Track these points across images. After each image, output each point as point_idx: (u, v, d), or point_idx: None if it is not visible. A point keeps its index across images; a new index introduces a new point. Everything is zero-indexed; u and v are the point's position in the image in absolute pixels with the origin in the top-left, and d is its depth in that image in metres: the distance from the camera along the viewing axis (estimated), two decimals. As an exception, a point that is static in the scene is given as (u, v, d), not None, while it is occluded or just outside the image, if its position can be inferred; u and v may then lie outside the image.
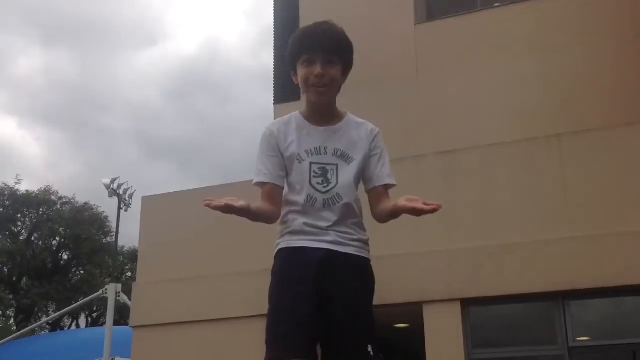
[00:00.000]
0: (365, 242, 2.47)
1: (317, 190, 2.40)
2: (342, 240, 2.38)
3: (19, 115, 55.08)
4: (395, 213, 2.37)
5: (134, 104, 61.66)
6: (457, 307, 7.74)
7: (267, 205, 2.39)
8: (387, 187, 2.52)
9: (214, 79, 70.41)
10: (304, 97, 2.56)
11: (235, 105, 68.55)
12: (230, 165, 56.79)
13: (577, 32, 10.11)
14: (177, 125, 64.76)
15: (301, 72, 2.45)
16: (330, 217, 2.39)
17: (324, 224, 2.38)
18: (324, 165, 2.43)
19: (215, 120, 66.56)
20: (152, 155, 61.91)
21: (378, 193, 2.49)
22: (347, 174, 2.44)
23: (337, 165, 2.44)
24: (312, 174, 2.42)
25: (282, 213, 2.46)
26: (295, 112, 2.54)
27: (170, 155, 64.03)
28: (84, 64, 60.23)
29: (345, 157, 2.46)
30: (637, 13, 9.83)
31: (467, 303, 7.80)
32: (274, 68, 12.35)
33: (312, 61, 2.42)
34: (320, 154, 2.45)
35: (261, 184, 2.43)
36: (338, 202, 2.40)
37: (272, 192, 2.41)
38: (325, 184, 2.41)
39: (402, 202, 2.27)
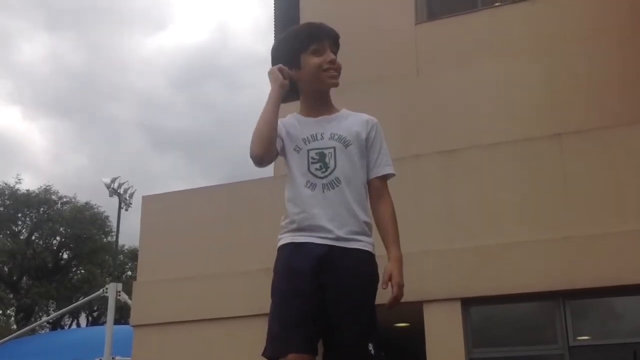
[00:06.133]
0: (368, 226, 2.46)
1: (315, 176, 2.41)
2: (344, 236, 2.37)
3: (23, 104, 54.84)
4: (383, 238, 2.50)
5: (142, 92, 61.26)
6: (457, 306, 7.73)
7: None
8: (386, 177, 2.54)
9: (225, 66, 69.90)
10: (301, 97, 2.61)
11: (245, 94, 68.11)
12: (239, 155, 56.51)
13: (579, 32, 10.09)
14: (186, 114, 64.33)
15: (311, 61, 2.50)
16: (331, 203, 2.38)
17: (324, 215, 2.36)
18: (321, 150, 2.45)
19: (225, 109, 66.15)
20: (159, 146, 61.55)
21: (375, 187, 2.51)
22: (346, 157, 2.45)
23: (334, 147, 2.46)
24: (310, 160, 2.44)
25: (286, 209, 2.47)
26: (292, 114, 2.60)
27: (178, 146, 63.62)
28: (89, 50, 59.79)
29: (342, 140, 2.47)
30: (639, 12, 9.81)
31: (467, 302, 7.79)
32: (272, 64, 12.21)
33: (322, 49, 2.51)
34: (317, 140, 2.47)
35: None
36: (337, 186, 2.40)
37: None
38: (324, 169, 2.42)
39: (389, 271, 2.40)
